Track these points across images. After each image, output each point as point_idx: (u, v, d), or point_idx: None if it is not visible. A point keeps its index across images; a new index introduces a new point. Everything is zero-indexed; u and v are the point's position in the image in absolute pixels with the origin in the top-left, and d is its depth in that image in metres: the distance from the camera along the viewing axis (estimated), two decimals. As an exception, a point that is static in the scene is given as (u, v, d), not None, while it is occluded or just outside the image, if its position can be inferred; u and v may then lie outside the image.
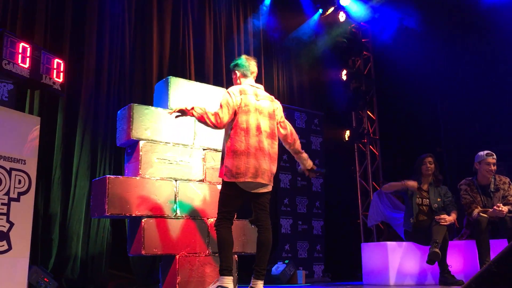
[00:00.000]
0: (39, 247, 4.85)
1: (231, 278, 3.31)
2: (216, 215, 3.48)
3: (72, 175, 5.24)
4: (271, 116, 3.55)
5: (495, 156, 4.79)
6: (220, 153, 3.69)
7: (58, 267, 4.96)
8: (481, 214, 4.56)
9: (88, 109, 5.48)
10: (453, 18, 7.08)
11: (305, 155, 3.77)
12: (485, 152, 4.83)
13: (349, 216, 8.31)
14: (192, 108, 3.40)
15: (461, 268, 4.97)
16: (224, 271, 3.31)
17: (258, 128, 3.44)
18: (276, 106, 3.65)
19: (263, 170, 3.40)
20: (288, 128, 3.71)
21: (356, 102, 8.15)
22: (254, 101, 3.49)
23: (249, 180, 3.35)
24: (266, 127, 3.49)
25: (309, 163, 3.77)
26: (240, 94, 3.47)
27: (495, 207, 4.53)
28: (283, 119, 3.71)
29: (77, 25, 5.58)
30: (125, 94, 5.85)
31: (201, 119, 3.39)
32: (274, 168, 3.53)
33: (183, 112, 3.44)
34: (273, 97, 3.70)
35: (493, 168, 4.77)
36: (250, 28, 7.52)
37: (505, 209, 4.50)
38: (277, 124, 3.62)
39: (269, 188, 3.50)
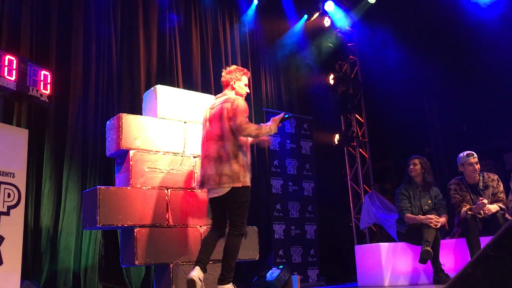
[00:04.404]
0: (30, 261, 4.79)
1: (197, 268, 3.34)
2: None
3: (62, 187, 5.19)
4: (221, 118, 3.60)
5: (475, 155, 4.82)
6: None
7: (50, 281, 4.90)
8: (469, 212, 4.60)
9: (76, 120, 5.45)
10: (436, 26, 7.18)
11: (264, 130, 3.65)
12: (465, 153, 4.85)
13: (341, 220, 8.33)
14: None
15: (454, 266, 5.00)
16: (196, 262, 3.40)
17: (206, 136, 3.68)
18: (226, 106, 3.61)
19: (208, 176, 3.55)
20: (235, 121, 3.55)
21: (344, 106, 8.19)
22: (208, 113, 3.75)
23: (200, 188, 3.76)
24: (217, 130, 3.60)
25: (270, 130, 3.73)
26: (205, 110, 3.84)
27: (477, 201, 4.55)
28: (232, 113, 3.55)
29: (63, 36, 5.56)
30: (114, 104, 5.83)
31: None
32: (223, 170, 3.48)
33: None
34: (229, 97, 3.68)
35: (477, 167, 4.81)
36: (236, 35, 7.55)
37: (493, 207, 4.53)
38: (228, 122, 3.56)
39: (219, 192, 3.50)
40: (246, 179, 3.51)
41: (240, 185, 3.46)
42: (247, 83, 3.93)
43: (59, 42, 5.51)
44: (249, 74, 3.99)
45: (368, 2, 7.70)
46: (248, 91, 3.97)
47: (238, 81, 3.81)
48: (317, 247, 7.09)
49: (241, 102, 3.61)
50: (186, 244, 3.98)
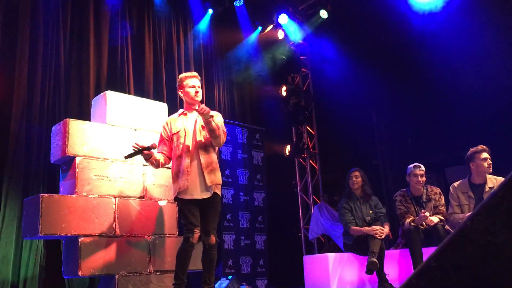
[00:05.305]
0: (-36, 273, 4.51)
1: None
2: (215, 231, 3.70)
3: (2, 194, 4.93)
4: None
5: (422, 168, 5.03)
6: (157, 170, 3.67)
7: (-15, 294, 4.64)
8: (412, 223, 4.77)
9: (19, 124, 5.20)
10: (384, 41, 7.43)
11: None
12: (413, 164, 5.07)
13: (291, 230, 8.41)
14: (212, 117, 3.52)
15: (398, 276, 5.16)
16: None
17: None
18: None
19: None
20: None
21: (295, 118, 8.32)
22: None
23: None
24: None
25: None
26: None
27: (420, 213, 4.74)
28: None
29: (7, 38, 5.32)
30: (60, 109, 5.62)
31: (218, 131, 3.52)
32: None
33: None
34: None
35: (421, 179, 5.00)
36: (190, 44, 7.51)
37: (435, 218, 4.72)
38: None
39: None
40: (175, 190, 3.62)
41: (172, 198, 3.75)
42: (193, 84, 3.71)
43: (3, 45, 5.26)
44: (192, 74, 3.77)
45: (321, 17, 7.89)
46: (197, 91, 3.71)
47: (181, 88, 3.74)
48: (267, 258, 7.12)
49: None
50: (133, 255, 3.88)
